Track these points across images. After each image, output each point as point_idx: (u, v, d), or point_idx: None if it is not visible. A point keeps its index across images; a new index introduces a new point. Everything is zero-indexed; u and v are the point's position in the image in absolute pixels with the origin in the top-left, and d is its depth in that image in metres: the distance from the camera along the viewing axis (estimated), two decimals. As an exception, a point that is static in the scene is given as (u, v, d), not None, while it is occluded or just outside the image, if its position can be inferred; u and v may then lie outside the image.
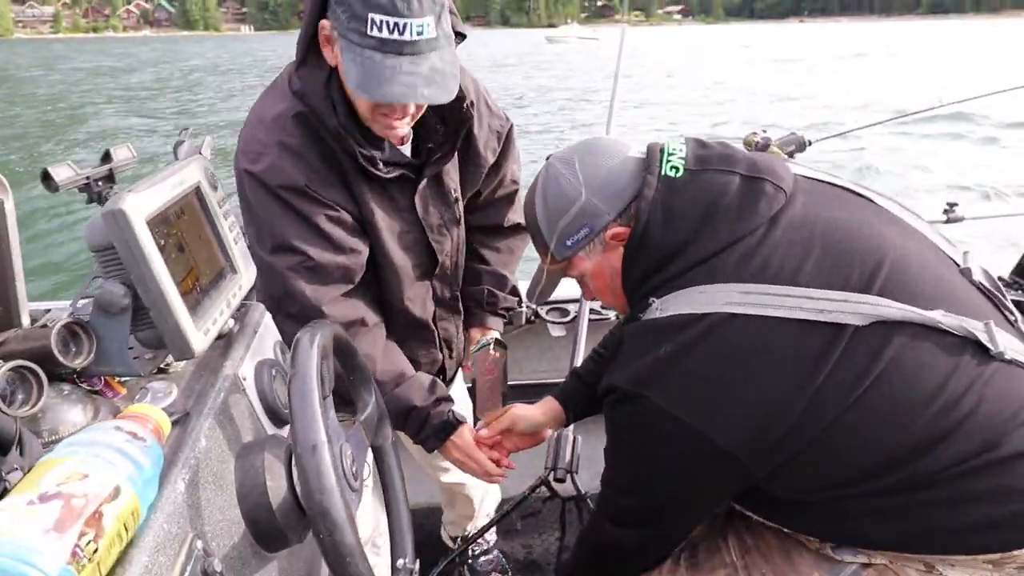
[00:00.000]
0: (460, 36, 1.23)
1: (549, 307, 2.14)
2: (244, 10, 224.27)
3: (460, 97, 1.24)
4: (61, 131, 14.85)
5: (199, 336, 0.95)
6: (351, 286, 1.30)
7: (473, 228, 1.55)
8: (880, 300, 0.89)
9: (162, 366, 1.02)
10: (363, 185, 1.27)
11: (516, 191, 1.61)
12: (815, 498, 0.96)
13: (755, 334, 0.89)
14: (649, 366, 0.94)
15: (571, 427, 1.63)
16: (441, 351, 1.54)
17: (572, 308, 2.07)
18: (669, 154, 1.02)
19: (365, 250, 1.30)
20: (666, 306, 0.95)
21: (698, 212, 0.97)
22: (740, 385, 0.89)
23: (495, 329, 1.61)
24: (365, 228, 1.30)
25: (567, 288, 2.23)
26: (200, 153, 1.69)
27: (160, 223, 0.94)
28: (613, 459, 1.08)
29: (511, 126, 1.51)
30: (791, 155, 2.19)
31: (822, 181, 1.08)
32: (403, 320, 1.43)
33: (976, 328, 0.90)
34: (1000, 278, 2.16)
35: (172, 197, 0.99)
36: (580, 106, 15.71)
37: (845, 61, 32.86)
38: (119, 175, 1.65)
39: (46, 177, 1.45)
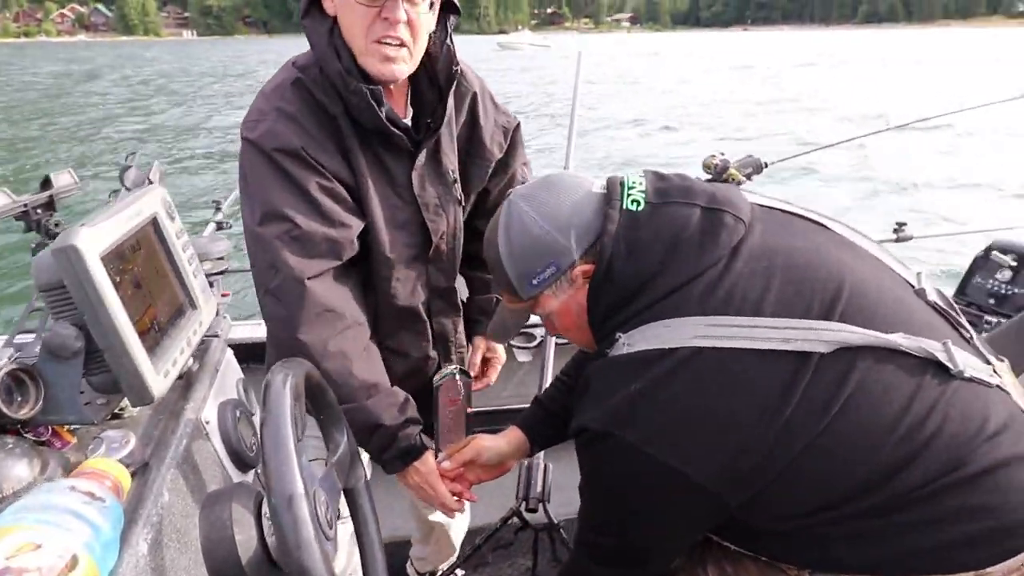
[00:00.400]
0: (454, 10, 1.29)
1: None
2: (186, 15, 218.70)
3: (451, 62, 1.29)
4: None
5: (158, 379, 0.89)
6: (338, 262, 1.24)
7: (477, 232, 1.49)
8: (843, 326, 0.91)
9: (116, 411, 0.96)
10: (360, 156, 1.25)
11: None
12: (792, 525, 0.96)
13: (723, 367, 0.89)
14: (619, 404, 0.93)
15: (541, 454, 1.60)
16: (435, 347, 1.47)
17: (538, 333, 2.04)
18: (629, 187, 1.02)
19: (357, 226, 1.25)
20: (633, 341, 0.95)
21: (661, 245, 0.97)
22: (711, 418, 0.90)
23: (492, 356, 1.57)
24: (359, 203, 1.26)
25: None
26: (148, 179, 1.62)
27: (115, 258, 0.88)
28: (589, 499, 1.06)
29: (518, 124, 1.52)
30: (749, 177, 2.23)
31: (776, 209, 1.09)
32: (392, 307, 1.36)
33: (935, 348, 0.92)
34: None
35: (128, 230, 0.92)
36: (540, 123, 15.77)
37: (797, 70, 33.82)
38: (60, 202, 1.56)
39: None
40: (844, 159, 10.35)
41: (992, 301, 2.19)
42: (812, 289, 0.94)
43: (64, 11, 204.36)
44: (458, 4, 1.28)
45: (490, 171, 1.46)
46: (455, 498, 1.36)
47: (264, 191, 1.20)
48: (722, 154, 2.25)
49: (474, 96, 1.40)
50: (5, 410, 0.81)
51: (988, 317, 2.15)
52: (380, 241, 1.29)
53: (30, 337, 1.29)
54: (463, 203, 1.41)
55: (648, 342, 0.93)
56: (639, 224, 0.99)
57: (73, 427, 0.92)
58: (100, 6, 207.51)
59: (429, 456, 1.34)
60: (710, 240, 0.96)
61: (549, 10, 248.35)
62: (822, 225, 1.09)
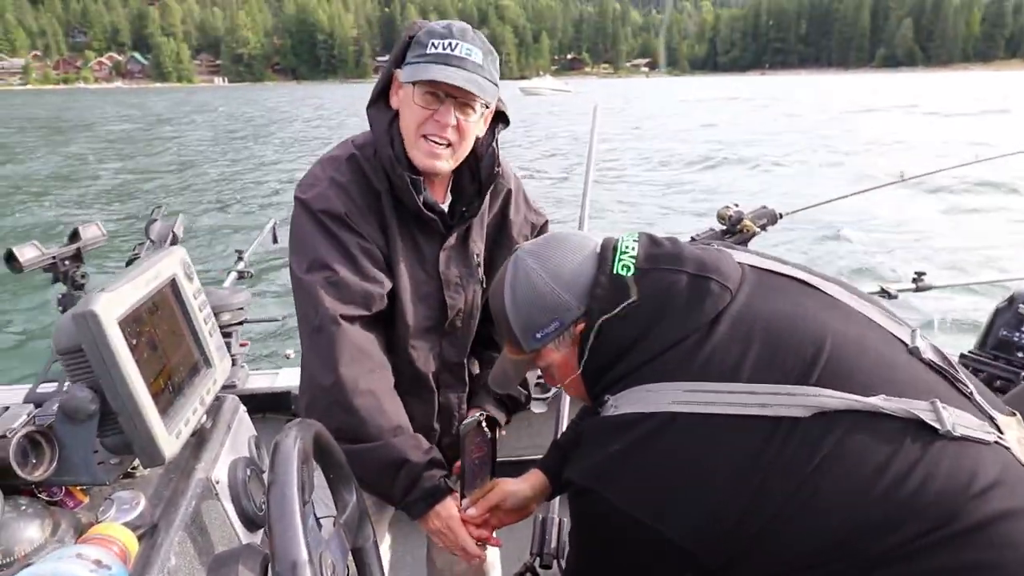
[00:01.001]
0: (504, 120, 1.45)
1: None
2: (218, 62, 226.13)
3: (492, 161, 1.45)
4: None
5: (170, 440, 0.91)
6: (368, 313, 1.35)
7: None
8: (820, 391, 0.92)
9: (128, 470, 0.97)
10: (396, 230, 1.39)
11: None
12: None
13: (698, 433, 0.92)
14: (601, 463, 0.97)
15: (556, 510, 1.58)
16: (439, 419, 1.53)
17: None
18: (622, 252, 1.06)
19: (387, 284, 1.37)
20: (619, 404, 0.99)
21: (647, 310, 1.01)
22: (687, 481, 0.93)
23: (492, 412, 1.57)
24: (390, 269, 1.39)
25: None
26: (173, 232, 1.66)
27: (132, 322, 0.90)
28: (575, 547, 1.10)
29: (545, 222, 1.65)
30: (763, 228, 2.23)
31: (766, 270, 1.12)
32: (404, 374, 1.44)
33: (920, 408, 0.92)
34: (970, 352, 2.19)
35: (147, 293, 0.95)
36: (561, 165, 15.93)
37: (824, 115, 33.83)
38: (87, 254, 1.61)
39: (10, 258, 1.40)
40: (863, 208, 10.27)
41: (1021, 354, 2.14)
42: (790, 353, 0.96)
43: (102, 59, 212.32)
44: (509, 117, 1.45)
45: None
46: (478, 544, 1.36)
47: (310, 245, 1.34)
48: (736, 205, 2.26)
49: (508, 192, 1.55)
50: (20, 472, 0.83)
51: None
52: (403, 308, 1.40)
53: (53, 386, 1.32)
54: (484, 285, 1.52)
55: (632, 405, 0.97)
56: (627, 289, 1.03)
57: (86, 487, 0.93)
58: (136, 55, 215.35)
59: (451, 501, 1.34)
60: (695, 307, 1.00)
61: (569, 56, 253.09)
62: (811, 286, 1.10)
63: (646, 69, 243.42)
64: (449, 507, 1.34)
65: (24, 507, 0.84)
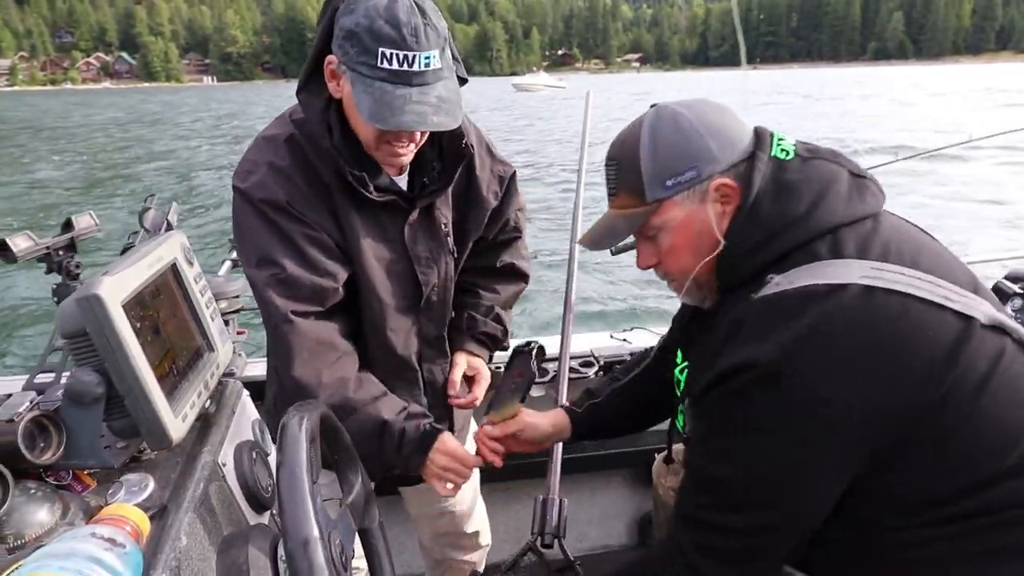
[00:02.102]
0: (462, 81, 1.28)
1: None
2: (207, 61, 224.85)
3: (459, 134, 1.32)
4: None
5: (177, 423, 0.91)
6: (321, 308, 1.28)
7: (466, 269, 1.54)
8: (985, 302, 0.91)
9: (135, 454, 0.97)
10: (352, 212, 1.29)
11: (518, 238, 1.61)
12: (896, 526, 0.92)
13: (896, 308, 0.88)
14: (790, 338, 0.88)
15: (556, 490, 1.59)
16: (425, 394, 1.49)
17: (551, 367, 2.05)
18: (779, 139, 1.04)
19: (341, 275, 1.29)
20: (793, 279, 0.92)
21: (812, 190, 0.98)
22: (881, 356, 0.87)
23: (476, 355, 1.54)
24: (349, 256, 1.30)
25: (546, 345, 2.19)
26: (167, 220, 1.65)
27: (136, 305, 0.91)
28: (724, 456, 0.95)
29: (514, 172, 1.54)
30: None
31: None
32: (386, 356, 1.40)
33: None
34: None
35: (148, 277, 0.95)
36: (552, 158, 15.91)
37: (823, 102, 33.78)
38: (81, 243, 1.60)
39: (3, 248, 1.39)
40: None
41: None
42: (947, 271, 0.95)
43: (90, 59, 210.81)
44: (466, 78, 1.30)
45: (486, 219, 1.49)
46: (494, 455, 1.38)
47: (254, 238, 1.25)
48: None
49: (468, 145, 1.39)
50: (29, 456, 0.83)
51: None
52: (374, 292, 1.33)
53: (50, 376, 1.32)
54: (455, 255, 1.45)
55: (814, 279, 0.90)
56: (787, 169, 1.00)
57: (93, 471, 0.93)
58: (124, 54, 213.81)
59: (446, 436, 1.33)
60: (858, 197, 0.98)
61: (560, 52, 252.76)
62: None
63: (637, 64, 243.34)
64: (446, 441, 1.32)
65: (33, 491, 0.84)
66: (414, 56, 1.12)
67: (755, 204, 0.99)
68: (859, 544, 0.96)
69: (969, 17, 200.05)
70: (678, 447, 1.49)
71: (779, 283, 0.93)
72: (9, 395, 1.13)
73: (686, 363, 1.17)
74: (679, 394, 1.19)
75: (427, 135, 1.28)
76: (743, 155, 1.02)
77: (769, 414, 0.90)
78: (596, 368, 2.07)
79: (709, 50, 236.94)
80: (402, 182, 1.36)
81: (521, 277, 1.63)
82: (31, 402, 1.01)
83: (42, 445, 0.86)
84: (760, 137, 1.04)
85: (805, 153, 1.03)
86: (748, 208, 0.99)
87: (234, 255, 2.69)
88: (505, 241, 1.59)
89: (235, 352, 2.15)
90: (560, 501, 1.58)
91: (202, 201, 11.89)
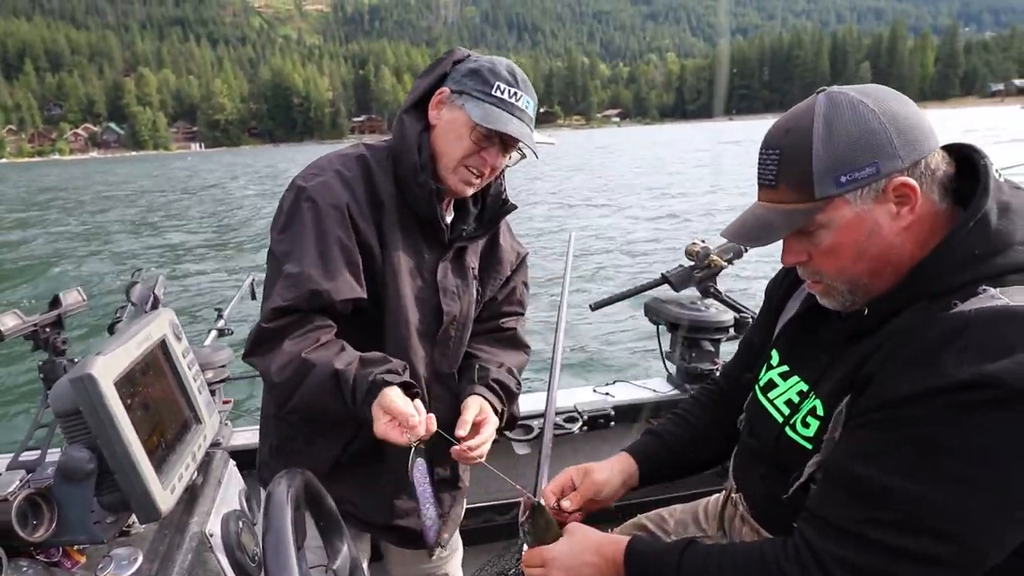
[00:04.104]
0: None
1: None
2: (195, 129, 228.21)
3: (501, 192, 1.54)
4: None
5: (165, 495, 0.94)
6: (304, 311, 1.33)
7: (475, 333, 1.61)
8: None
9: (124, 528, 1.00)
10: (397, 233, 1.42)
11: (521, 314, 1.72)
12: None
13: None
14: None
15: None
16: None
17: (536, 424, 2.08)
18: (983, 155, 0.98)
19: (350, 292, 1.35)
20: (1014, 297, 0.86)
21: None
22: None
23: (487, 400, 1.50)
24: (383, 272, 1.40)
25: (531, 403, 2.21)
26: (154, 294, 1.70)
27: (127, 383, 0.95)
28: (925, 474, 0.85)
29: (527, 253, 1.72)
30: (730, 261, 2.32)
31: None
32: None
33: None
34: None
35: (139, 355, 0.99)
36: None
37: None
38: (68, 320, 1.64)
39: None
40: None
41: None
42: None
43: (77, 130, 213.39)
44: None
45: (501, 284, 1.64)
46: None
47: (293, 229, 1.36)
48: (703, 241, 2.35)
49: (508, 202, 1.60)
50: (22, 534, 0.85)
51: None
52: (401, 312, 1.42)
53: (35, 454, 1.34)
54: (479, 297, 1.57)
55: None
56: (1002, 191, 0.95)
57: (82, 547, 0.96)
58: (112, 124, 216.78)
59: (390, 392, 1.26)
60: None
61: (542, 109, 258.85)
62: None
63: (617, 119, 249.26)
64: (387, 398, 1.25)
65: (25, 568, 0.86)
66: (520, 95, 1.37)
67: (985, 216, 0.92)
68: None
69: (932, 65, 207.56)
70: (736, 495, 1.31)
71: (996, 295, 0.86)
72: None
73: (783, 366, 1.14)
74: (767, 401, 1.15)
75: (495, 173, 1.44)
76: (927, 151, 0.94)
77: (1005, 439, 0.81)
78: (580, 423, 2.10)
79: (686, 104, 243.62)
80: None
81: (524, 347, 1.71)
82: (21, 480, 1.03)
83: (34, 523, 0.88)
84: (977, 151, 0.98)
85: (1009, 184, 0.99)
86: (979, 218, 0.92)
87: (220, 324, 2.73)
88: (509, 312, 1.69)
89: (221, 422, 2.18)
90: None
91: (189, 269, 11.96)
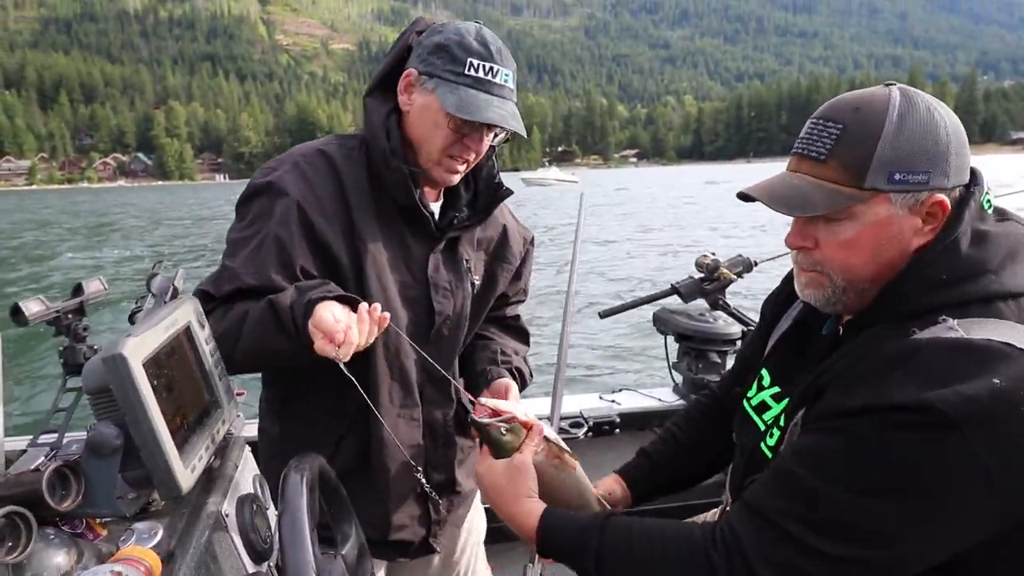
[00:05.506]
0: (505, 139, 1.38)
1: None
2: (219, 160, 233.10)
3: (494, 176, 1.42)
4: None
5: (186, 474, 0.98)
6: (224, 304, 1.26)
7: (485, 320, 1.58)
8: None
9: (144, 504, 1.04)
10: (375, 227, 1.31)
11: (522, 300, 1.67)
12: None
13: None
14: (979, 396, 0.81)
15: (539, 569, 1.56)
16: (424, 437, 1.42)
17: None
18: (986, 189, 0.99)
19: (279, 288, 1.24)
20: (970, 329, 0.87)
21: (1005, 248, 0.94)
22: None
23: (508, 382, 1.44)
24: (362, 272, 1.29)
25: (536, 407, 2.23)
26: (174, 286, 1.75)
27: (154, 364, 1.00)
28: (852, 489, 0.87)
29: (533, 237, 1.62)
30: (739, 275, 2.35)
31: None
32: (388, 379, 1.35)
33: None
34: None
35: (165, 338, 1.05)
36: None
37: None
38: (90, 308, 1.70)
39: (15, 312, 1.49)
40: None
41: None
42: None
43: (107, 159, 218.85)
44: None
45: (511, 276, 1.55)
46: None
47: (243, 222, 1.30)
48: (713, 254, 2.38)
49: (504, 190, 1.49)
50: (51, 502, 0.90)
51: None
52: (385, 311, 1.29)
53: (52, 437, 1.39)
54: (475, 290, 1.46)
55: (998, 336, 0.85)
56: (985, 220, 0.96)
57: (105, 520, 1.00)
58: (140, 155, 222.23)
59: (321, 307, 1.15)
60: None
61: (560, 148, 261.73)
62: None
63: (635, 160, 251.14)
64: (317, 314, 1.14)
65: (52, 536, 0.90)
66: (497, 69, 1.24)
67: (955, 241, 0.92)
68: None
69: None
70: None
71: (953, 327, 0.87)
72: (25, 450, 1.21)
73: (775, 387, 1.14)
74: (757, 417, 1.16)
75: (480, 156, 1.34)
76: (963, 181, 0.94)
77: (924, 462, 0.83)
78: (585, 429, 2.12)
79: (703, 145, 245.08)
80: (434, 209, 1.39)
81: (527, 336, 1.66)
82: (45, 456, 1.09)
83: (63, 493, 0.93)
84: (975, 176, 0.97)
85: (997, 215, 1.00)
86: (948, 243, 0.92)
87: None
88: (515, 301, 1.66)
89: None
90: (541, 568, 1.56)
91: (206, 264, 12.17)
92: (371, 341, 1.16)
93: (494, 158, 1.44)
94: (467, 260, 1.44)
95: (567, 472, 1.18)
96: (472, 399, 1.18)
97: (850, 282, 0.98)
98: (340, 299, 1.18)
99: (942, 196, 0.92)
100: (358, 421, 1.35)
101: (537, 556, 1.38)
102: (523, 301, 1.68)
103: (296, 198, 1.26)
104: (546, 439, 1.16)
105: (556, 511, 1.08)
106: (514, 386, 1.43)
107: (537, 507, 1.08)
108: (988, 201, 0.97)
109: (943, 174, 0.91)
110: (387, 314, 1.17)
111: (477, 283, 1.47)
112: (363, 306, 1.15)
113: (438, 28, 1.29)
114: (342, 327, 1.11)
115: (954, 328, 0.87)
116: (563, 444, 1.20)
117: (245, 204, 1.33)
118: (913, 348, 0.88)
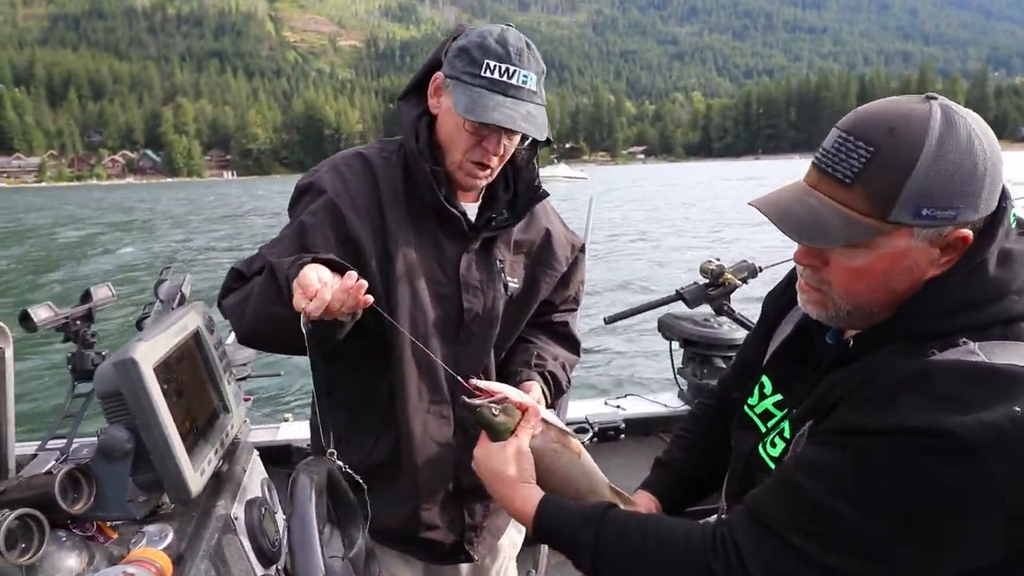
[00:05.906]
0: (547, 141, 1.39)
1: None
2: (228, 157, 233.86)
3: (534, 178, 1.43)
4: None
5: (196, 477, 0.99)
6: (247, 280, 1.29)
7: (530, 324, 1.57)
8: None
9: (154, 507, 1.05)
10: (407, 226, 1.35)
11: (575, 309, 1.65)
12: None
13: None
14: (998, 423, 0.79)
15: (544, 567, 1.56)
16: (455, 435, 1.42)
17: None
18: (1012, 206, 0.93)
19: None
20: (991, 353, 0.84)
21: None
22: None
23: (531, 384, 1.43)
24: (394, 272, 1.32)
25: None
26: (181, 292, 1.77)
27: (164, 369, 1.01)
28: (857, 499, 0.85)
29: (583, 244, 1.60)
30: (744, 280, 2.34)
31: None
32: (417, 377, 1.36)
33: None
34: None
35: (175, 343, 1.06)
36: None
37: None
38: (98, 314, 1.71)
39: (25, 318, 1.50)
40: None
41: None
42: None
43: (115, 156, 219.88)
44: (551, 139, 1.39)
45: (556, 282, 1.54)
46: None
47: (292, 219, 1.36)
48: (717, 259, 2.37)
49: (545, 207, 1.52)
50: (63, 505, 0.91)
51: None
52: (416, 310, 1.34)
53: (60, 443, 1.40)
54: (507, 293, 1.45)
55: (1020, 360, 0.83)
56: (1010, 237, 0.92)
57: (115, 524, 1.01)
58: (149, 151, 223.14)
59: (307, 269, 1.14)
60: None
61: (568, 145, 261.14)
62: None
63: (642, 156, 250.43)
64: (303, 276, 1.12)
65: (64, 539, 0.92)
66: (514, 71, 1.25)
67: (983, 263, 0.88)
68: None
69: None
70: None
71: (974, 351, 0.84)
72: (36, 455, 1.22)
73: (776, 395, 1.12)
74: (760, 423, 1.14)
75: (504, 159, 1.35)
76: (992, 208, 0.88)
77: (939, 486, 0.81)
78: (590, 434, 2.13)
79: (712, 142, 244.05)
80: (471, 213, 1.42)
81: (576, 344, 1.63)
82: (56, 460, 1.10)
83: (74, 496, 0.94)
84: (1004, 194, 0.91)
85: (1020, 225, 0.95)
86: (975, 265, 0.88)
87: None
88: (564, 309, 1.64)
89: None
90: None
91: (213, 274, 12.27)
92: (349, 311, 1.15)
93: (535, 161, 1.44)
94: (501, 261, 1.44)
95: (570, 456, 1.15)
96: (461, 379, 1.16)
97: (855, 307, 0.95)
98: (331, 265, 1.17)
99: (966, 231, 0.88)
100: (391, 416, 1.37)
101: (541, 563, 1.38)
102: (574, 310, 1.65)
103: (331, 195, 1.32)
104: (546, 422, 1.14)
105: (554, 499, 1.07)
106: (536, 388, 1.41)
107: (534, 493, 1.07)
108: (1015, 216, 0.93)
109: (973, 209, 0.86)
110: (369, 295, 1.14)
111: (512, 285, 1.47)
112: (350, 274, 1.13)
113: (467, 32, 1.32)
114: (311, 290, 1.09)
115: (975, 352, 0.84)
116: (565, 427, 1.17)
117: (293, 206, 1.39)
118: (931, 370, 0.85)
